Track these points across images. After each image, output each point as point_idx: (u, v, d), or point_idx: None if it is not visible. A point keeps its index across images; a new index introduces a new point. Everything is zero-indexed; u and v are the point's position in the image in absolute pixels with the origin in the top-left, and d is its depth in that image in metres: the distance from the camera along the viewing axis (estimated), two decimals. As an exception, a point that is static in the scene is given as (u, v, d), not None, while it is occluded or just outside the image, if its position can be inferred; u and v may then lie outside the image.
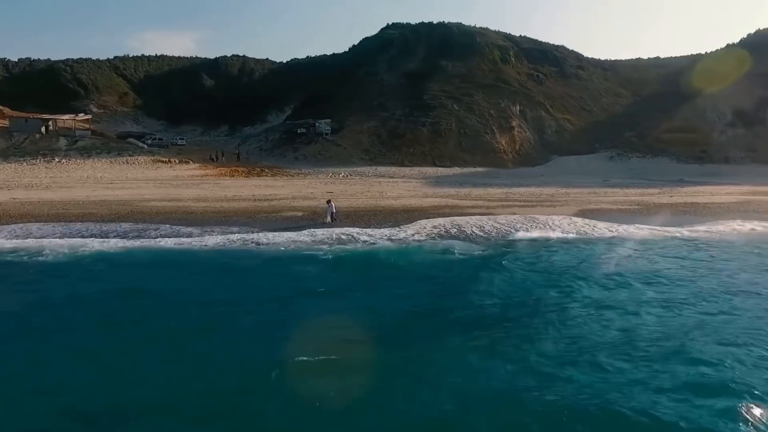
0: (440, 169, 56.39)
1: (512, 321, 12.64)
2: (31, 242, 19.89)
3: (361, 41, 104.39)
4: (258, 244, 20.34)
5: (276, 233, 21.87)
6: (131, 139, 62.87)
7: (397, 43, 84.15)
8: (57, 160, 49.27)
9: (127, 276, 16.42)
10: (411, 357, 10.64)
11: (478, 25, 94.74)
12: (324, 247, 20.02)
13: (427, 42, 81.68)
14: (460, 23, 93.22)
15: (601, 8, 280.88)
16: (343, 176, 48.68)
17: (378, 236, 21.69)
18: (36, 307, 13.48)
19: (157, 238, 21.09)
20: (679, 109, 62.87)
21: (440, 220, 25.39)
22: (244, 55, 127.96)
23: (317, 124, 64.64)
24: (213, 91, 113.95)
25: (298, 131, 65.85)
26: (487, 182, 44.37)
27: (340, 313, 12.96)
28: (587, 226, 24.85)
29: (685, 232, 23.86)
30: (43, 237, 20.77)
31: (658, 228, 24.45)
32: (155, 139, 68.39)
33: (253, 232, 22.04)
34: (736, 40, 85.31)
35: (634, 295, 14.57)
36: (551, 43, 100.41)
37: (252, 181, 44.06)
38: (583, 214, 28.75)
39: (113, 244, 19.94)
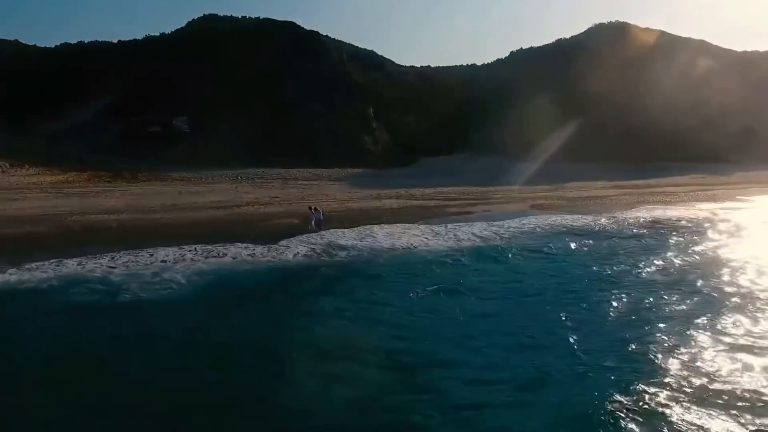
0: (323, 170, 55.07)
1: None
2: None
3: (176, 30, 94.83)
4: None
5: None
6: None
7: (236, 38, 78.65)
8: None
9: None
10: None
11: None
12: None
13: (276, 39, 78.22)
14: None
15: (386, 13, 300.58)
16: (242, 179, 44.58)
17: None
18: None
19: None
20: (502, 114, 72.05)
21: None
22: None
23: (175, 123, 57.27)
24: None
25: (150, 130, 57.34)
26: (400, 183, 45.10)
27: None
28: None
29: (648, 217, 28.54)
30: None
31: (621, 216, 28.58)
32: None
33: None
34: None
35: None
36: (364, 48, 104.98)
37: (146, 189, 37.28)
38: (539, 208, 31.90)
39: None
